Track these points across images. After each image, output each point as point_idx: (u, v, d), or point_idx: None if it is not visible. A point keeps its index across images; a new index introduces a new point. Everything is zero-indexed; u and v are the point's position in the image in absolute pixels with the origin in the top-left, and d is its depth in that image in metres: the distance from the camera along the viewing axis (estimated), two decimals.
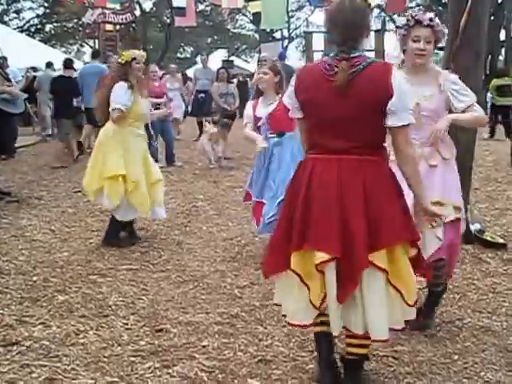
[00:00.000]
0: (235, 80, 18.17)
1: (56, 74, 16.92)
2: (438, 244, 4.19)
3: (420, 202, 3.60)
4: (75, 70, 14.38)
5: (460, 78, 4.44)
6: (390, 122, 3.37)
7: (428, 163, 4.30)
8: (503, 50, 32.21)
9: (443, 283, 4.59)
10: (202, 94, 15.69)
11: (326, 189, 3.37)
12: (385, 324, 3.38)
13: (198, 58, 22.41)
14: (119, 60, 6.57)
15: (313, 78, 3.45)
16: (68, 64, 13.68)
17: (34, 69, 18.07)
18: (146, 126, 7.00)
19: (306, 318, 3.52)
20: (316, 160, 3.45)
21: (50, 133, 17.87)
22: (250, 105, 6.50)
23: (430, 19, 4.22)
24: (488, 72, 18.93)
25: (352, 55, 3.35)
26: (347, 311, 3.43)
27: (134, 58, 6.55)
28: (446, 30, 4.37)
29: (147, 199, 6.56)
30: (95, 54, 15.36)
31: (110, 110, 6.43)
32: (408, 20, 4.28)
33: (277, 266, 3.56)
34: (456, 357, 4.08)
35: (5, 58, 17.37)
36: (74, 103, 13.09)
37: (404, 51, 4.39)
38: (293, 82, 3.54)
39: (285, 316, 3.66)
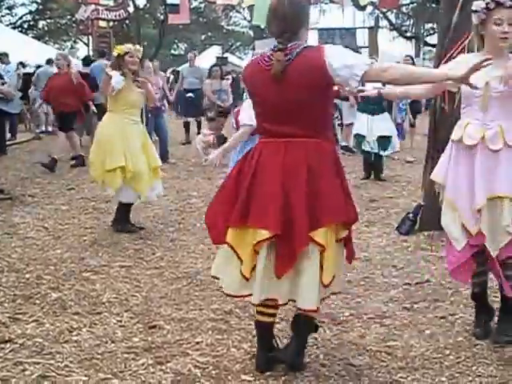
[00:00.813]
0: (229, 77, 17.94)
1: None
2: (508, 238, 4.04)
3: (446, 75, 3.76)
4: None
5: None
6: (354, 83, 3.55)
7: (490, 148, 4.07)
8: None
9: None
10: (191, 94, 15.20)
11: (270, 170, 3.58)
12: (316, 295, 3.58)
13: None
14: (113, 53, 6.88)
15: (253, 70, 3.74)
16: (86, 61, 15.70)
17: (23, 64, 18.03)
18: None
19: (241, 289, 3.73)
20: (264, 143, 3.69)
21: (44, 129, 17.86)
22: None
23: None
24: None
25: (288, 45, 3.52)
26: (276, 283, 3.62)
27: (128, 52, 6.83)
28: None
29: (147, 185, 6.98)
30: (102, 54, 16.16)
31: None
32: (488, 3, 4.06)
33: (219, 238, 3.78)
34: (448, 352, 4.10)
35: (6, 55, 17.36)
36: None
37: (481, 36, 4.18)
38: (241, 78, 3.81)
39: (221, 287, 3.89)
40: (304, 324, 3.83)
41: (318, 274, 3.56)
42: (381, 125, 10.31)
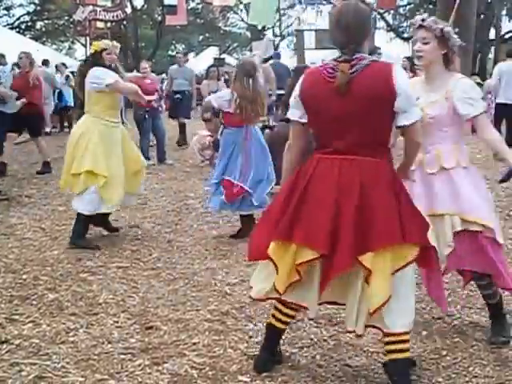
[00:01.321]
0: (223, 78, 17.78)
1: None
2: (448, 250, 4.09)
3: None
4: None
5: None
6: (401, 121, 3.48)
7: (425, 170, 4.19)
8: (493, 49, 32.35)
9: (492, 294, 4.33)
10: (179, 95, 14.59)
11: (323, 188, 3.47)
12: (354, 317, 3.55)
13: (190, 56, 22.31)
14: (90, 50, 6.56)
15: (314, 82, 3.54)
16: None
17: (17, 65, 18.07)
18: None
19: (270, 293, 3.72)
20: (320, 159, 3.55)
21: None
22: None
23: (422, 19, 4.14)
24: (478, 71, 18.93)
25: (353, 57, 3.42)
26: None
27: (105, 49, 6.56)
28: (448, 28, 4.12)
29: (118, 193, 6.55)
30: None
31: (90, 92, 6.50)
32: (413, 25, 4.28)
33: (260, 253, 3.69)
34: (445, 352, 4.11)
35: (2, 56, 17.35)
36: None
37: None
38: (297, 88, 3.60)
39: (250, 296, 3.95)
40: None
41: (357, 297, 3.49)
42: None
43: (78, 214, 6.61)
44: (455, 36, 4.17)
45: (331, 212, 3.42)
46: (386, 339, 3.58)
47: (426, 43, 4.12)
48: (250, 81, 6.59)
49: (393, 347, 3.56)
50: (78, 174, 6.41)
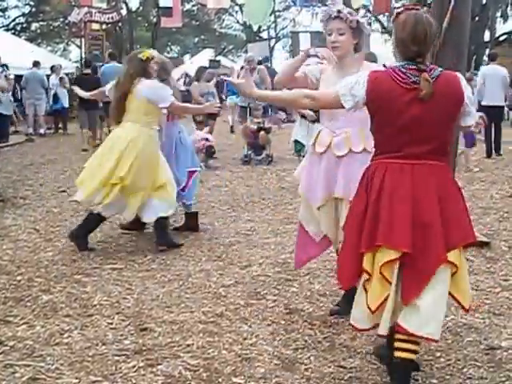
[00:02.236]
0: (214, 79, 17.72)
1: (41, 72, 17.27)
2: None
3: None
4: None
5: None
6: (468, 121, 3.68)
7: (334, 153, 4.43)
8: (487, 51, 32.41)
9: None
10: None
11: (398, 192, 3.46)
12: (440, 322, 3.50)
13: (186, 58, 22.32)
14: (140, 56, 6.41)
15: (387, 86, 3.50)
16: (88, 63, 16.93)
17: (6, 66, 18.06)
18: None
19: (365, 322, 3.62)
20: (389, 164, 3.53)
21: (31, 131, 17.87)
22: None
23: (339, 11, 4.38)
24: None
25: (428, 66, 3.52)
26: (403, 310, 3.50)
27: (153, 57, 6.48)
28: (363, 20, 4.43)
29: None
30: (113, 56, 17.06)
31: (143, 102, 6.32)
32: (323, 15, 4.52)
33: (351, 279, 3.65)
34: (439, 354, 4.10)
35: None
36: None
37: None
38: (362, 86, 3.55)
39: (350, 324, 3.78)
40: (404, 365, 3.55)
41: (445, 297, 3.50)
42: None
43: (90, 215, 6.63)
44: (368, 27, 4.50)
45: (410, 213, 3.43)
46: (400, 336, 3.51)
47: (341, 34, 4.41)
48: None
49: (404, 345, 3.50)
50: (160, 185, 6.42)
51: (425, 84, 3.43)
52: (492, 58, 14.73)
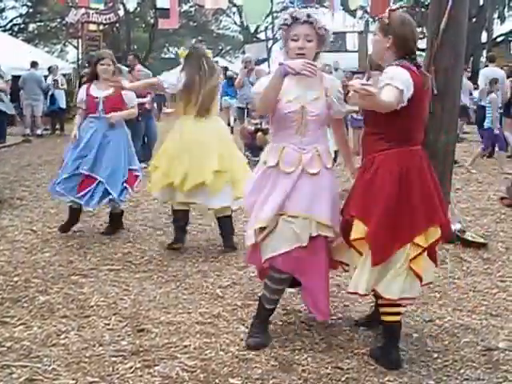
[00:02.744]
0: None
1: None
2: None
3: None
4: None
5: (440, 78, 4.49)
6: None
7: (308, 171, 4.09)
8: (485, 52, 32.43)
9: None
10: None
11: (421, 178, 3.89)
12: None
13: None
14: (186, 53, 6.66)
15: (417, 81, 3.79)
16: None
17: None
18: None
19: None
20: (411, 151, 3.91)
21: (29, 132, 17.87)
22: (83, 89, 7.17)
23: (308, 15, 4.04)
24: (470, 74, 18.96)
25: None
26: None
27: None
28: (327, 26, 4.11)
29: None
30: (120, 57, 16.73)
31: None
32: (286, 19, 4.10)
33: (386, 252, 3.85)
34: (436, 355, 4.11)
35: None
36: None
37: (287, 53, 4.14)
38: (410, 79, 3.72)
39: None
40: None
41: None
42: None
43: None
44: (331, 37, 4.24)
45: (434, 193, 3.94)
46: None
47: (309, 41, 4.07)
48: None
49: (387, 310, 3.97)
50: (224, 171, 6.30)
51: (427, 78, 3.89)
52: (491, 60, 14.83)
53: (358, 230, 3.86)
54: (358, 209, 3.90)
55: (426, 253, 3.91)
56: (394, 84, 3.63)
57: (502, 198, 8.77)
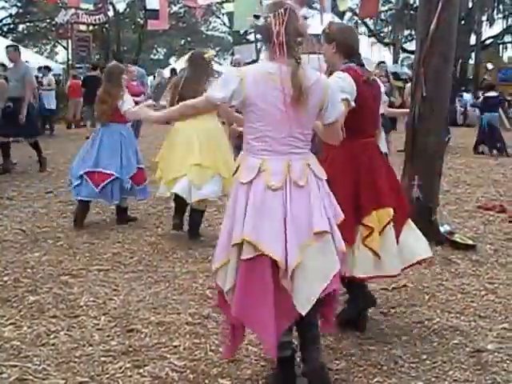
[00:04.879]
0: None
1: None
2: None
3: None
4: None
5: (429, 81, 4.52)
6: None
7: (297, 183, 3.42)
8: (473, 55, 32.62)
9: None
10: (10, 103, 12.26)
11: (376, 164, 4.39)
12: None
13: (172, 60, 22.29)
14: (205, 56, 6.90)
15: (359, 78, 4.27)
16: (94, 67, 18.41)
17: None
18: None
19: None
20: (366, 143, 4.39)
21: None
22: None
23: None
24: (458, 76, 19.07)
25: None
26: None
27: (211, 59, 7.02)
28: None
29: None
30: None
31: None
32: None
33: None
34: (425, 356, 4.13)
35: None
36: None
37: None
38: (350, 82, 4.18)
39: None
40: None
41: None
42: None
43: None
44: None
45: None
46: None
47: None
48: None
49: None
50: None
51: (370, 74, 4.45)
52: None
53: None
54: None
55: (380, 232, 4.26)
56: (344, 96, 4.02)
57: (479, 207, 8.70)
